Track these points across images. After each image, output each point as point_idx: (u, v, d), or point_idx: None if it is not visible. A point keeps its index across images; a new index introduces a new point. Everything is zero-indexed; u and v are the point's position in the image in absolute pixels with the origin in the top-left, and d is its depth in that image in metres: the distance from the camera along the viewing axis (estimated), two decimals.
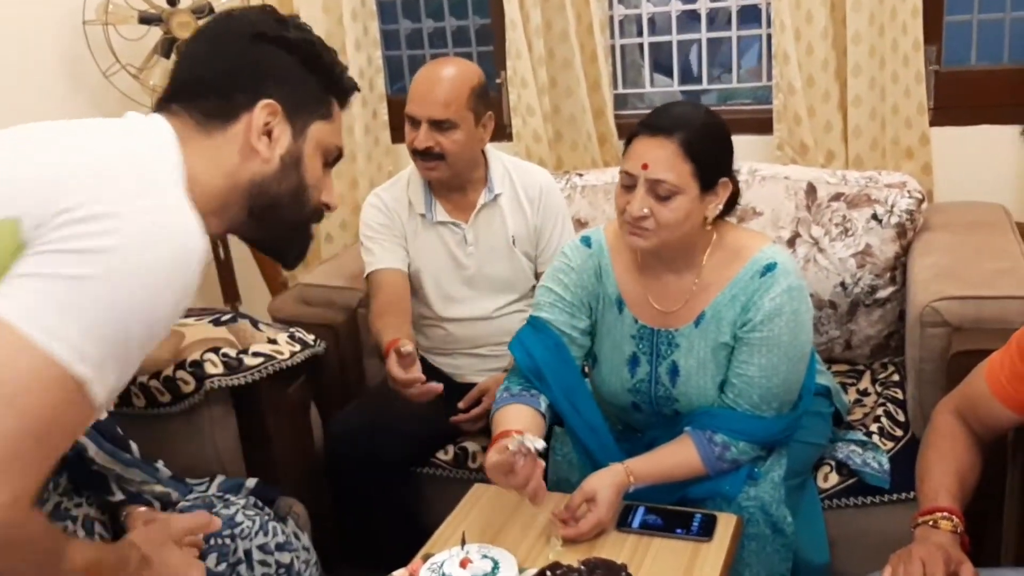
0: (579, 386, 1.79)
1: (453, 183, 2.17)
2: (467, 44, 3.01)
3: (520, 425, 1.61)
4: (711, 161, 1.62)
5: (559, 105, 2.78)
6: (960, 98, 2.51)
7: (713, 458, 1.66)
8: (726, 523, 1.58)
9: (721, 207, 1.66)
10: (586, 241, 1.81)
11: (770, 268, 1.65)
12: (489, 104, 2.13)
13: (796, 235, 2.28)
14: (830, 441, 1.94)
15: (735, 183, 1.69)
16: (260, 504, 1.66)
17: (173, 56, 2.65)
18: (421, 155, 2.09)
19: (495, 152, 2.23)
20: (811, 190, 2.31)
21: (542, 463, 1.54)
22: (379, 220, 2.20)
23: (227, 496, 1.64)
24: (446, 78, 2.07)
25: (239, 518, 1.55)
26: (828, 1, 2.45)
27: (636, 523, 1.58)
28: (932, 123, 2.46)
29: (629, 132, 1.66)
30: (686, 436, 1.69)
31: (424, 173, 2.13)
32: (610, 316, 1.78)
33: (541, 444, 1.51)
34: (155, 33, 2.66)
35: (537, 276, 2.21)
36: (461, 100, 2.06)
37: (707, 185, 1.62)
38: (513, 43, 2.69)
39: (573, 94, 2.73)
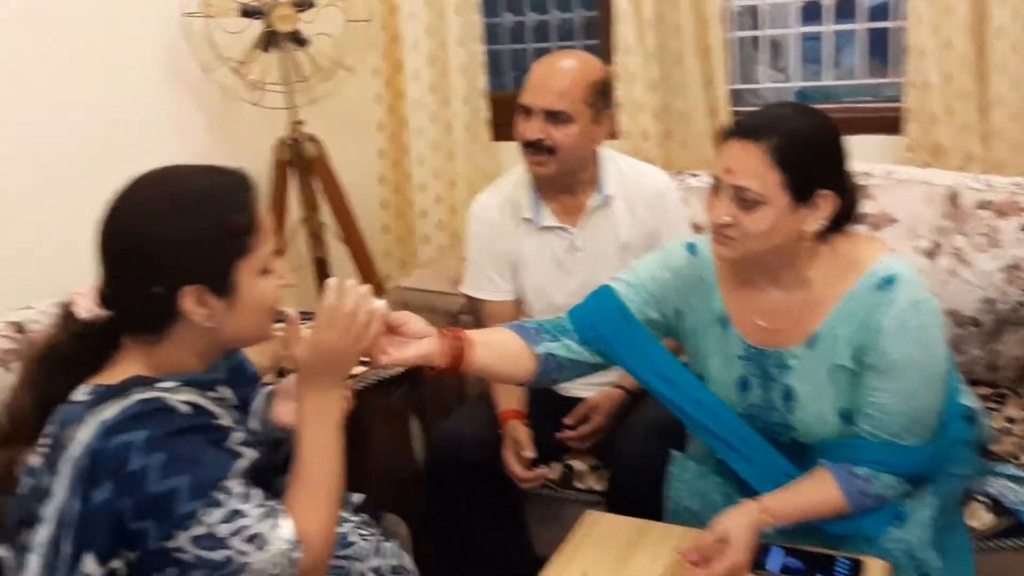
0: (661, 354, 1.64)
1: (561, 183, 2.05)
2: (572, 38, 2.89)
3: (483, 339, 1.54)
4: (806, 171, 1.46)
5: (669, 102, 2.64)
6: None
7: (856, 493, 1.50)
8: (875, 570, 1.42)
9: (824, 222, 1.49)
10: (692, 248, 1.68)
11: (889, 281, 1.49)
12: (609, 103, 2.01)
13: (936, 245, 2.10)
14: (978, 474, 1.76)
15: (846, 196, 1.52)
16: (369, 522, 1.57)
17: (274, 50, 2.61)
18: (531, 147, 1.98)
19: (609, 152, 2.11)
20: (953, 196, 2.12)
21: (379, 326, 1.34)
22: (482, 238, 2.12)
23: None
24: (566, 69, 1.96)
25: (352, 538, 1.46)
26: None
27: (774, 566, 1.44)
28: None
29: (725, 131, 1.53)
30: (824, 470, 1.53)
31: (531, 168, 2.02)
32: (715, 334, 1.64)
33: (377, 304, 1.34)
34: (256, 27, 2.61)
35: None
36: (579, 93, 1.94)
37: (801, 197, 1.47)
38: (622, 37, 2.56)
39: (685, 90, 2.59)
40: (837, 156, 1.52)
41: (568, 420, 2.01)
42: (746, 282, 1.62)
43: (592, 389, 2.04)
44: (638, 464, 1.83)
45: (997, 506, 1.73)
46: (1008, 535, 1.71)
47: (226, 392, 1.36)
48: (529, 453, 1.89)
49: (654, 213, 2.07)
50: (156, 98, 2.60)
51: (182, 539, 1.18)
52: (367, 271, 2.83)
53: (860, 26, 2.61)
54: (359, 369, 1.80)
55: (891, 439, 1.50)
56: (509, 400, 1.99)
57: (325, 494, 1.29)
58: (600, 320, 1.65)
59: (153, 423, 1.18)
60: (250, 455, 1.28)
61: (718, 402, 1.63)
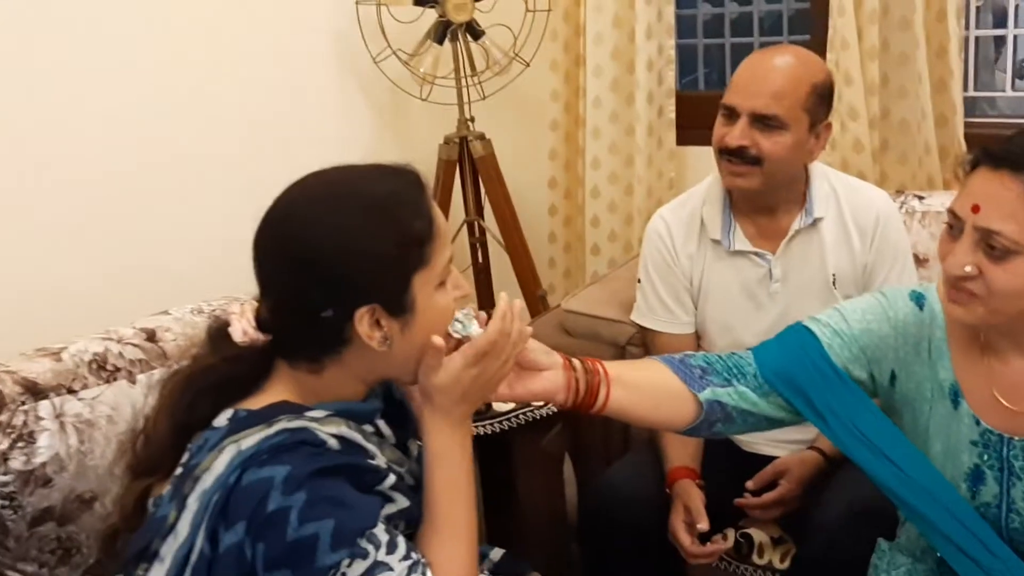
0: (876, 421, 1.31)
1: (762, 201, 1.76)
2: (777, 32, 2.58)
3: (626, 375, 1.29)
4: None
5: (889, 108, 2.29)
6: None
7: None
8: None
9: None
10: (919, 300, 1.34)
11: None
12: (830, 110, 1.70)
13: None
14: None
15: None
16: None
17: (447, 42, 2.44)
18: (731, 156, 1.70)
19: (821, 167, 1.80)
20: None
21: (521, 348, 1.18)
22: (660, 259, 1.85)
23: None
24: (782, 67, 1.67)
25: None
26: None
27: None
28: None
29: (971, 158, 1.23)
30: None
31: (728, 180, 1.73)
32: (940, 411, 1.31)
33: (473, 331, 1.14)
34: (429, 16, 2.45)
35: None
36: (797, 96, 1.65)
37: None
38: (839, 31, 2.23)
39: (909, 95, 2.23)
40: None
41: (751, 484, 1.70)
42: (985, 348, 1.29)
43: (782, 448, 1.74)
44: (833, 546, 1.54)
45: None
46: None
47: (384, 427, 1.18)
48: (703, 525, 1.61)
49: (871, 243, 1.75)
50: (324, 89, 2.50)
51: None
52: (529, 282, 2.62)
53: None
54: (506, 406, 1.58)
55: None
56: (681, 454, 1.72)
57: (468, 544, 1.12)
58: (795, 366, 1.34)
59: (297, 458, 1.03)
60: (401, 503, 1.12)
61: (954, 495, 1.29)
